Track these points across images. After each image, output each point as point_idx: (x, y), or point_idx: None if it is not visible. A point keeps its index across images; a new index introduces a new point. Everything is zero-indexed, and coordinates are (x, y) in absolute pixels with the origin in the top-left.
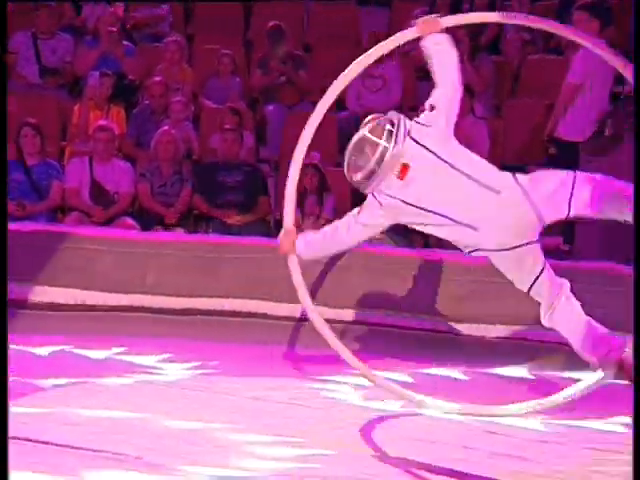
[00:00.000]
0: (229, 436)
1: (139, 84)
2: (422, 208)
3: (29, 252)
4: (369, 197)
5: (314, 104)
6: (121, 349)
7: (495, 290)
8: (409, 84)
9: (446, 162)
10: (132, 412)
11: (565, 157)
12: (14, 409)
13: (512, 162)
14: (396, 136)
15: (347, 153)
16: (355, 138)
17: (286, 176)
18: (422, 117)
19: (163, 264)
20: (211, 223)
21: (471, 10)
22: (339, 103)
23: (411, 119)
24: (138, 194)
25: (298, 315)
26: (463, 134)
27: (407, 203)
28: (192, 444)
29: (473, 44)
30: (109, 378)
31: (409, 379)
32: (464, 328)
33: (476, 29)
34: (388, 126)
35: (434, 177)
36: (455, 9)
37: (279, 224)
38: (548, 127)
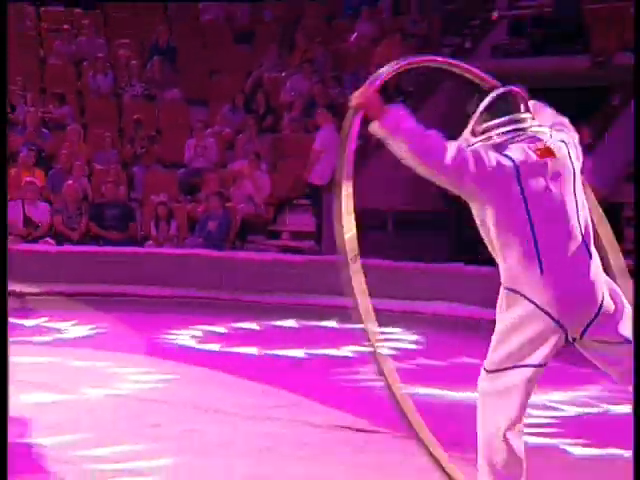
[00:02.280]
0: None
1: (52, 155)
2: (526, 204)
3: None
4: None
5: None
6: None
7: None
8: None
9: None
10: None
11: (315, 194)
12: None
13: (285, 194)
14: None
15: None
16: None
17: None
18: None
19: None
20: (101, 240)
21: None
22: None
23: None
24: (54, 223)
25: None
26: None
27: (518, 181)
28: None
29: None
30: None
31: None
32: None
33: None
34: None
35: (560, 188)
36: None
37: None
38: (305, 176)
